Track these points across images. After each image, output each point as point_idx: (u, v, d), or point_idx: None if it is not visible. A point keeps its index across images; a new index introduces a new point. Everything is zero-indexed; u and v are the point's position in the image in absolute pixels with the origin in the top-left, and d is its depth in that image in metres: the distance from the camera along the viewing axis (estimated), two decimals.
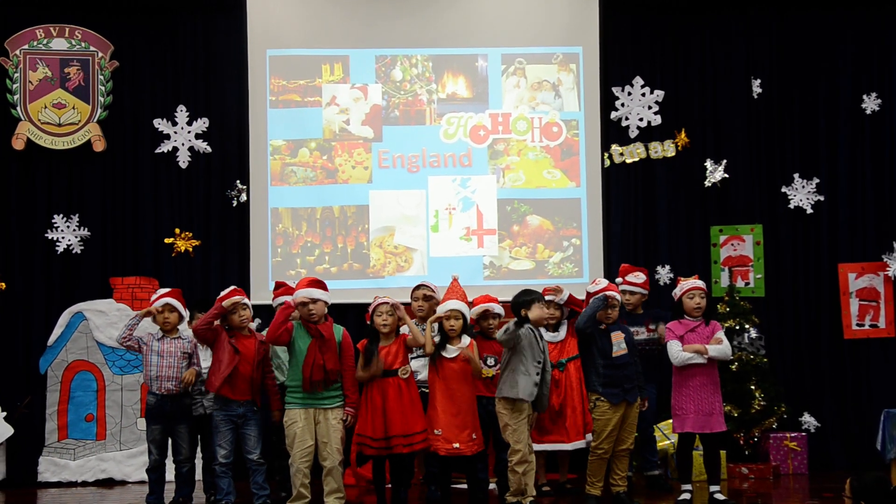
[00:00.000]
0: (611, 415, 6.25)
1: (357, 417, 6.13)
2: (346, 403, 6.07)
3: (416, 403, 6.15)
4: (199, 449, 6.55)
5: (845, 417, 8.19)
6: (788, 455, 7.71)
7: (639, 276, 7.20)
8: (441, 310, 6.23)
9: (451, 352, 6.18)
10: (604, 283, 6.56)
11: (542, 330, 6.33)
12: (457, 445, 6.07)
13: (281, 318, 5.93)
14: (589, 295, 6.52)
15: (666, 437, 7.34)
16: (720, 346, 6.35)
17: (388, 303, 6.24)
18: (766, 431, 7.73)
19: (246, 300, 6.22)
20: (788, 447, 7.72)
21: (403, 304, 6.76)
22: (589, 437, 6.68)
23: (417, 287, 6.90)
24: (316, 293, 6.05)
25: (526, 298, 6.14)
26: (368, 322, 6.40)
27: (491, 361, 6.41)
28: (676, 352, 6.33)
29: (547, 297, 6.50)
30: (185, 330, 6.48)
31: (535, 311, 6.10)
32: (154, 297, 6.43)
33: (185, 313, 6.45)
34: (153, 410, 6.23)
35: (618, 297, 6.44)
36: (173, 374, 6.21)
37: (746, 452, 7.69)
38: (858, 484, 4.56)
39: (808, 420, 8.12)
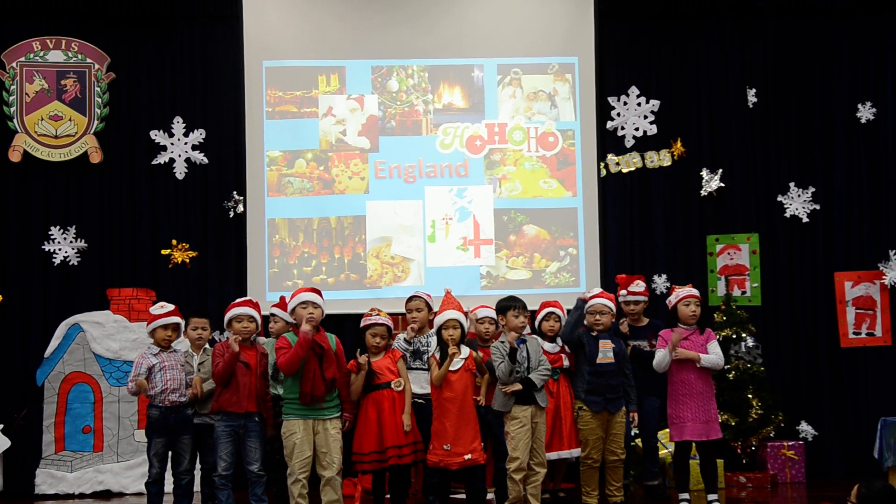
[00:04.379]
0: (594, 424, 6.30)
1: (354, 425, 6.16)
2: (343, 409, 6.09)
3: (406, 415, 6.16)
4: (197, 460, 6.54)
5: (843, 426, 8.20)
6: (786, 464, 7.71)
7: (639, 285, 7.22)
8: (439, 320, 6.24)
9: (454, 364, 6.17)
10: (596, 290, 6.64)
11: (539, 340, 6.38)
12: (468, 457, 6.06)
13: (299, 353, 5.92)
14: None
15: (664, 446, 7.34)
16: (712, 357, 6.40)
17: (382, 324, 6.23)
18: (764, 440, 7.74)
19: (251, 311, 6.22)
20: (786, 456, 7.72)
21: (398, 314, 6.79)
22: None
23: (411, 298, 6.89)
24: (317, 298, 6.09)
25: (503, 304, 6.33)
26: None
27: None
28: (661, 356, 6.40)
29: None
30: (177, 343, 6.48)
31: (510, 320, 6.24)
32: (160, 311, 6.32)
33: (182, 331, 6.45)
34: (156, 423, 6.19)
35: (608, 304, 6.46)
36: (177, 385, 6.20)
37: (744, 461, 7.69)
38: (866, 491, 4.54)
39: (806, 428, 8.12)
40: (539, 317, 6.82)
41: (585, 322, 6.51)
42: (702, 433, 6.40)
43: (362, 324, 6.40)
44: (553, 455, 6.58)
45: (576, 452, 6.63)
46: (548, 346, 6.69)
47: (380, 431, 6.08)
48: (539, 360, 6.21)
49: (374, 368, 6.20)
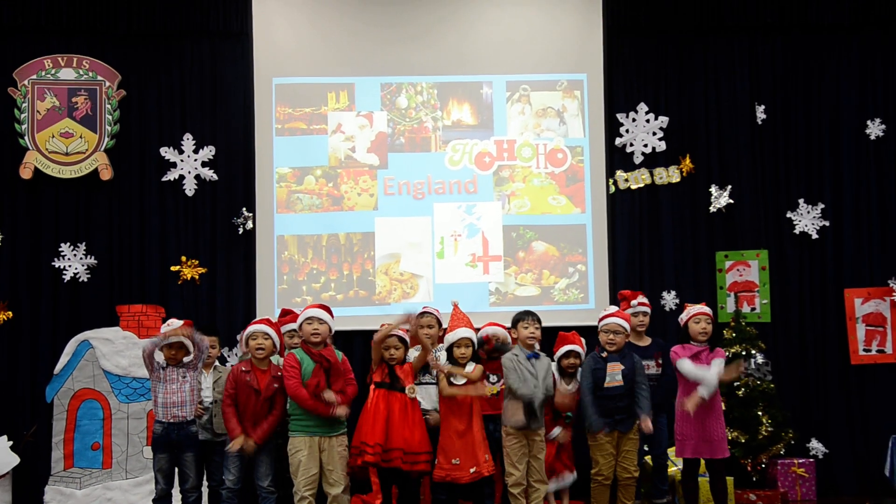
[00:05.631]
0: (603, 441, 6.28)
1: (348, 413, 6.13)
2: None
3: (419, 425, 6.16)
4: (205, 477, 6.54)
5: (853, 443, 8.16)
6: (796, 481, 7.68)
7: (642, 297, 7.22)
8: (451, 338, 6.26)
9: (459, 380, 6.20)
10: (612, 309, 6.65)
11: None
12: (473, 470, 6.09)
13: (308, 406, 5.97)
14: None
15: (673, 463, 7.32)
16: (711, 381, 6.36)
17: (394, 335, 6.24)
18: (774, 457, 7.71)
19: (266, 328, 6.23)
20: (796, 473, 7.68)
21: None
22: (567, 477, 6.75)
23: (422, 314, 6.90)
24: (322, 314, 6.10)
25: (517, 316, 6.42)
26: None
27: (493, 378, 6.52)
28: (690, 367, 6.35)
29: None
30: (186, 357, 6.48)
31: (520, 331, 6.31)
32: (167, 328, 6.29)
33: (192, 349, 6.44)
34: (160, 439, 6.21)
35: (623, 325, 6.45)
36: (178, 400, 6.20)
37: (754, 479, 7.66)
38: None
39: (816, 446, 8.08)
40: (558, 354, 6.77)
41: (599, 340, 6.52)
42: (705, 451, 6.38)
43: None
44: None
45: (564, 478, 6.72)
46: (563, 388, 6.65)
47: (386, 429, 6.06)
48: (546, 384, 6.22)
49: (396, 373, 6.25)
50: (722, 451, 6.40)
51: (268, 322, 6.32)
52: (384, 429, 6.04)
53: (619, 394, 6.29)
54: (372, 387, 6.24)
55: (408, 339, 6.38)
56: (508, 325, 6.67)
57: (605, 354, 6.37)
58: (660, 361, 6.91)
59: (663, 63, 8.56)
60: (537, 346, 6.39)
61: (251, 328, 6.24)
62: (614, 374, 6.30)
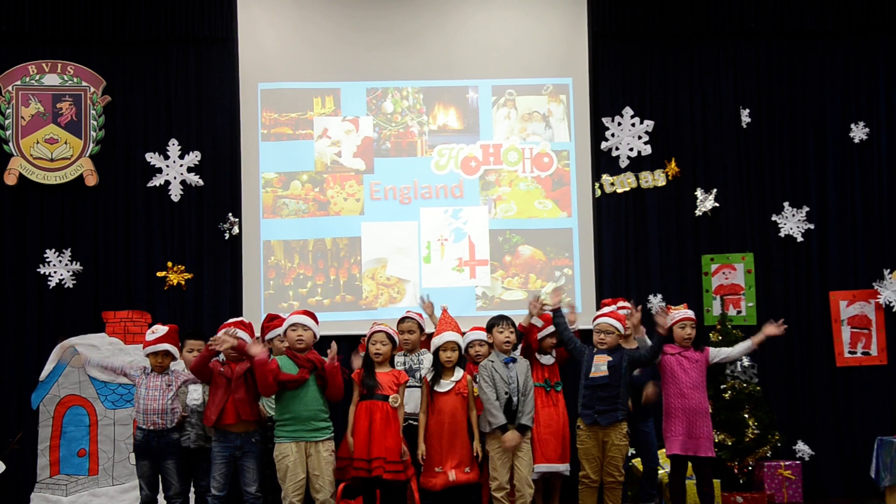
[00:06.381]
0: (589, 444, 6.33)
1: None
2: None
3: (398, 435, 6.13)
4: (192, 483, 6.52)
5: (839, 445, 8.19)
6: (783, 483, 7.70)
7: (623, 302, 7.20)
8: (437, 342, 6.26)
9: (444, 386, 6.21)
10: (607, 309, 6.70)
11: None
12: (452, 478, 6.07)
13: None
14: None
15: (662, 467, 7.33)
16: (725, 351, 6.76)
17: (383, 331, 6.25)
18: (761, 460, 7.72)
19: (238, 331, 6.20)
20: (783, 476, 7.70)
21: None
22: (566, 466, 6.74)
23: (403, 319, 6.90)
24: (307, 321, 6.11)
25: (490, 322, 6.44)
26: (363, 353, 6.41)
27: None
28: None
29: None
30: (172, 364, 6.46)
31: (495, 336, 6.33)
32: (152, 336, 6.30)
33: (178, 355, 6.43)
34: (140, 446, 6.20)
35: (615, 324, 6.46)
36: (159, 407, 6.17)
37: (741, 481, 7.67)
38: None
39: (803, 448, 8.11)
40: (542, 334, 6.84)
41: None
42: (691, 448, 6.43)
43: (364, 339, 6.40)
44: (543, 468, 6.64)
45: (561, 467, 6.70)
46: (545, 359, 6.78)
47: (369, 440, 6.05)
48: (528, 385, 6.24)
49: (378, 380, 6.19)
50: (707, 449, 6.46)
51: (240, 325, 6.27)
52: (367, 442, 6.03)
53: (602, 384, 6.32)
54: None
55: (396, 337, 6.37)
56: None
57: (595, 349, 6.42)
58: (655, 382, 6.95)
59: (648, 67, 8.58)
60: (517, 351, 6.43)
61: (223, 331, 6.19)
62: (599, 364, 6.35)
